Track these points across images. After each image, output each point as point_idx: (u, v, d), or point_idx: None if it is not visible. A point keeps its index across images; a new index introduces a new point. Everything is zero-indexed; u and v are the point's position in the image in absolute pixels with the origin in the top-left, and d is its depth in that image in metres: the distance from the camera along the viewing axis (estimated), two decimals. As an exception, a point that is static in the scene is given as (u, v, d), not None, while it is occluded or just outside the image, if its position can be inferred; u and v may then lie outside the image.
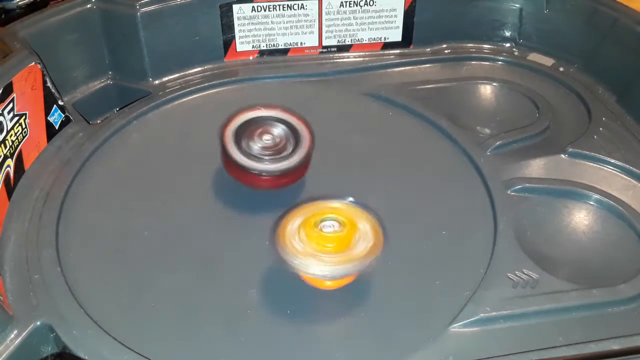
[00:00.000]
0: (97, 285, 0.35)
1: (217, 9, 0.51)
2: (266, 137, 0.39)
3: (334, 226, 0.33)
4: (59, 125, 0.45)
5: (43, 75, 0.43)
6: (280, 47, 0.53)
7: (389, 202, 0.40)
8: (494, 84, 0.51)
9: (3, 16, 0.56)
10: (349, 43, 0.54)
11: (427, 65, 0.53)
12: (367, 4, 0.52)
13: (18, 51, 0.42)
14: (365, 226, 0.33)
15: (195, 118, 0.47)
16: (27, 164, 0.42)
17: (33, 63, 0.42)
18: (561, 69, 0.53)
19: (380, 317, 0.33)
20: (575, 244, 0.38)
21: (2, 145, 0.39)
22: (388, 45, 0.55)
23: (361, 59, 0.54)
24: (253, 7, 0.51)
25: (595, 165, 0.42)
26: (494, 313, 0.32)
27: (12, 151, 0.40)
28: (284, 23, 0.52)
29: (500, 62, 0.54)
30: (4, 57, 0.41)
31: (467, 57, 0.54)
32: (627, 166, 0.42)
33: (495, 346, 0.31)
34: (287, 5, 0.51)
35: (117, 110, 0.49)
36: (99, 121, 0.48)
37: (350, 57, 0.54)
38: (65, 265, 0.35)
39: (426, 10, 0.53)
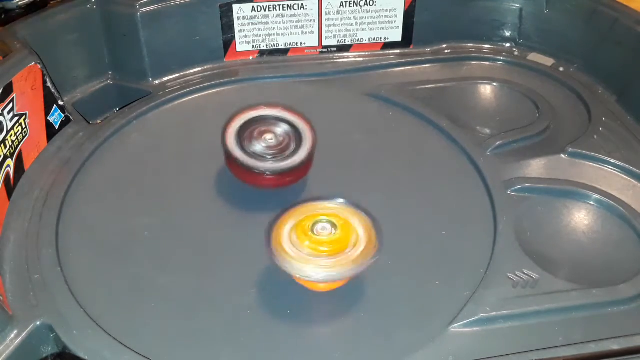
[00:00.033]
0: (97, 285, 0.35)
1: (217, 9, 0.51)
2: (269, 136, 0.39)
3: (327, 229, 0.33)
4: (59, 125, 0.45)
5: (43, 75, 0.43)
6: (280, 47, 0.53)
7: (389, 202, 0.40)
8: (494, 84, 0.51)
9: (3, 16, 0.56)
10: (349, 43, 0.54)
11: (427, 65, 0.53)
12: (367, 4, 0.52)
13: (18, 51, 0.42)
14: (358, 228, 0.33)
15: (195, 118, 0.47)
16: (27, 164, 0.42)
17: (33, 63, 0.42)
18: (561, 69, 0.53)
19: (380, 317, 0.33)
20: (575, 244, 0.38)
21: (2, 145, 0.39)
22: (388, 45, 0.55)
23: (361, 59, 0.54)
24: (253, 7, 0.51)
25: (595, 165, 0.42)
26: (494, 313, 0.32)
27: (12, 151, 0.40)
28: (284, 23, 0.52)
29: (500, 62, 0.54)
30: (4, 57, 0.41)
31: (467, 57, 0.54)
32: (627, 166, 0.42)
33: (495, 346, 0.31)
34: (287, 5, 0.51)
35: (117, 110, 0.49)
36: (99, 121, 0.48)
37: (350, 57, 0.54)
38: (65, 265, 0.35)
39: (426, 10, 0.53)
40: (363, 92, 0.49)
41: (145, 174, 0.42)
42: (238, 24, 0.52)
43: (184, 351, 0.32)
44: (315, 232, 0.33)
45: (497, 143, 0.44)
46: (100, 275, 0.35)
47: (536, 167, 0.42)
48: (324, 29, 0.53)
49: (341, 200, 0.35)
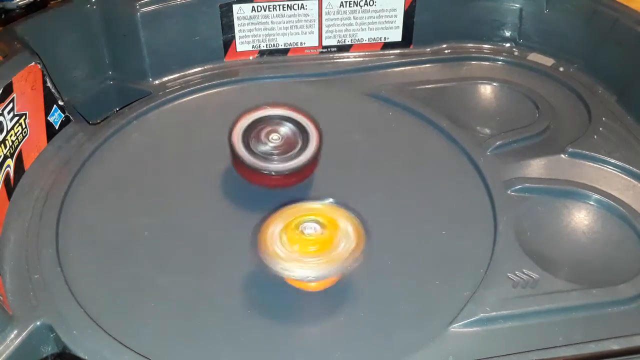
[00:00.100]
0: (97, 285, 0.35)
1: (217, 9, 0.51)
2: (274, 136, 0.39)
3: (315, 229, 0.33)
4: (59, 125, 0.45)
5: (43, 75, 0.43)
6: (280, 47, 0.53)
7: (389, 202, 0.40)
8: (494, 84, 0.51)
9: (3, 16, 0.56)
10: (349, 43, 0.54)
11: (427, 65, 0.53)
12: (367, 4, 0.52)
13: (18, 51, 0.42)
14: (346, 226, 0.33)
15: (195, 118, 0.47)
16: (27, 164, 0.42)
17: (33, 63, 0.42)
18: (561, 69, 0.53)
19: (380, 317, 0.33)
20: (575, 244, 0.38)
21: (2, 145, 0.39)
22: (388, 45, 0.55)
23: (361, 59, 0.54)
24: (253, 7, 0.51)
25: (595, 165, 0.42)
26: (494, 313, 0.32)
27: (12, 151, 0.40)
28: (284, 23, 0.52)
29: (500, 62, 0.54)
30: (4, 57, 0.41)
31: (467, 57, 0.54)
32: (627, 166, 0.42)
33: (495, 346, 0.31)
34: (287, 5, 0.51)
35: (117, 110, 0.49)
36: (99, 121, 0.48)
37: (350, 57, 0.54)
38: (65, 265, 0.35)
39: (426, 10, 0.53)
40: (363, 92, 0.49)
41: (145, 174, 0.42)
42: (238, 24, 0.52)
43: (184, 351, 0.32)
44: (303, 232, 0.33)
45: (497, 143, 0.44)
46: (100, 275, 0.35)
47: (536, 167, 0.42)
48: (324, 29, 0.53)
49: (329, 200, 0.35)
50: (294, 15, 0.52)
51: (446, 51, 0.55)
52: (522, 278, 0.34)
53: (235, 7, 0.51)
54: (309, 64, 0.53)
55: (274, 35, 0.53)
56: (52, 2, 0.54)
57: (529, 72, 0.52)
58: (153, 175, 0.42)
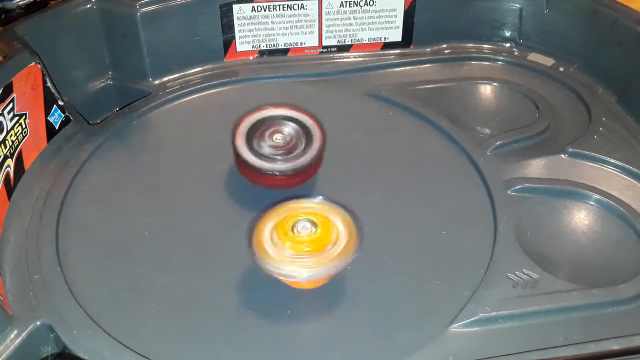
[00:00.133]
0: (97, 285, 0.35)
1: (217, 9, 0.51)
2: (277, 136, 0.39)
3: (307, 227, 0.33)
4: (59, 125, 0.45)
5: (43, 75, 0.43)
6: (280, 47, 0.53)
7: (389, 202, 0.40)
8: (494, 84, 0.51)
9: (3, 16, 0.56)
10: (349, 43, 0.54)
11: (427, 65, 0.53)
12: (367, 4, 0.52)
13: (18, 51, 0.42)
14: (339, 224, 0.33)
15: (195, 118, 0.47)
16: (27, 164, 0.42)
17: (33, 63, 0.42)
18: (561, 69, 0.53)
19: (380, 317, 0.33)
20: (575, 244, 0.38)
21: (2, 145, 0.39)
22: (388, 45, 0.55)
23: (361, 59, 0.54)
24: (253, 7, 0.51)
25: (595, 165, 0.42)
26: (494, 313, 0.32)
27: (12, 151, 0.40)
28: (284, 23, 0.52)
29: (500, 62, 0.54)
30: (4, 57, 0.41)
31: (467, 57, 0.54)
32: (627, 166, 0.42)
33: (495, 346, 0.31)
34: (287, 5, 0.51)
35: (117, 110, 0.49)
36: (99, 121, 0.48)
37: (350, 57, 0.54)
38: (65, 265, 0.35)
39: (426, 10, 0.53)
40: (363, 92, 0.49)
41: (145, 174, 0.42)
42: (238, 24, 0.52)
43: (184, 351, 0.32)
44: (295, 231, 0.33)
45: (497, 143, 0.44)
46: (100, 275, 0.35)
47: (536, 167, 0.42)
48: (324, 29, 0.53)
49: (320, 198, 0.35)
50: (294, 15, 0.52)
51: (446, 51, 0.55)
52: (522, 278, 0.34)
53: (235, 7, 0.51)
54: (309, 64, 0.53)
55: (274, 35, 0.53)
56: (52, 2, 0.54)
57: (529, 72, 0.52)
58: (153, 175, 0.42)
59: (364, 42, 0.54)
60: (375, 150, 0.44)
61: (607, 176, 0.42)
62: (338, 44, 0.54)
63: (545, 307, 0.33)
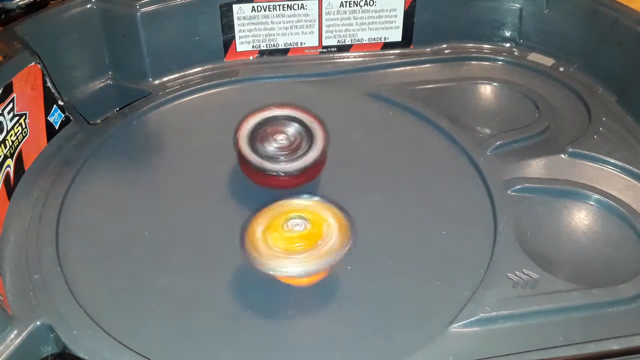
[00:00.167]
0: (97, 286, 0.35)
1: (217, 9, 0.51)
2: (280, 137, 0.39)
3: (299, 224, 0.33)
4: (59, 125, 0.45)
5: (43, 75, 0.43)
6: (280, 47, 0.53)
7: (389, 202, 0.40)
8: (494, 84, 0.51)
9: (3, 16, 0.56)
10: (349, 43, 0.54)
11: (427, 65, 0.53)
12: (367, 4, 0.52)
13: (18, 51, 0.42)
14: (330, 220, 0.33)
15: (195, 118, 0.47)
16: (27, 164, 0.42)
17: (33, 63, 0.42)
18: (561, 69, 0.53)
19: (380, 317, 0.33)
20: (575, 244, 0.38)
21: (2, 145, 0.39)
22: (388, 45, 0.55)
23: (361, 59, 0.54)
24: (253, 7, 0.51)
25: (595, 165, 0.42)
26: (494, 313, 0.32)
27: (12, 151, 0.40)
28: (284, 23, 0.52)
29: (500, 62, 0.54)
30: (4, 57, 0.41)
31: (467, 57, 0.54)
32: (627, 166, 0.42)
33: (495, 346, 0.31)
34: (287, 5, 0.51)
35: (117, 110, 0.49)
36: (99, 121, 0.48)
37: (350, 57, 0.54)
38: (65, 265, 0.35)
39: (426, 10, 0.53)
40: (363, 92, 0.49)
41: (145, 174, 0.42)
42: (238, 24, 0.52)
43: (184, 351, 0.32)
44: (287, 228, 0.33)
45: (497, 143, 0.44)
46: (100, 275, 0.35)
47: (536, 167, 0.42)
48: (324, 29, 0.53)
49: (310, 195, 0.35)
50: (294, 15, 0.52)
51: (446, 51, 0.55)
52: (522, 278, 0.34)
53: (235, 7, 0.51)
54: (309, 64, 0.53)
55: (274, 35, 0.53)
56: (52, 2, 0.54)
57: (529, 72, 0.52)
58: (153, 175, 0.42)
59: (364, 42, 0.54)
60: (375, 150, 0.44)
61: (607, 176, 0.42)
62: (338, 44, 0.54)
63: (545, 307, 0.33)
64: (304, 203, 0.34)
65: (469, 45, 0.55)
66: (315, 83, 0.51)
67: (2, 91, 0.38)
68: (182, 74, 0.52)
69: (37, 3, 0.56)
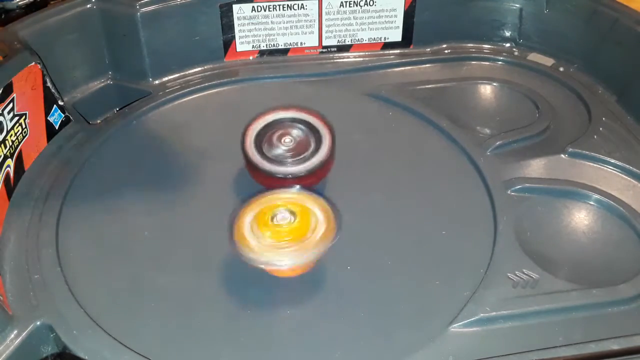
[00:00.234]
0: (97, 286, 0.35)
1: (217, 9, 0.51)
2: (287, 139, 0.39)
3: (286, 217, 0.33)
4: (59, 125, 0.45)
5: (43, 75, 0.43)
6: (280, 47, 0.53)
7: (389, 202, 0.40)
8: (494, 84, 0.51)
9: (3, 16, 0.56)
10: (349, 43, 0.54)
11: (427, 65, 0.53)
12: (367, 4, 0.52)
13: (18, 51, 0.42)
14: (317, 212, 0.34)
15: (195, 118, 0.47)
16: (27, 164, 0.42)
17: (33, 63, 0.42)
18: (561, 69, 0.53)
19: (380, 317, 0.33)
20: (575, 244, 0.38)
21: (2, 145, 0.39)
22: (388, 45, 0.55)
23: (361, 59, 0.54)
24: (253, 7, 0.51)
25: (595, 165, 0.42)
26: (494, 313, 0.32)
27: (12, 151, 0.40)
28: (284, 23, 0.52)
29: (500, 62, 0.54)
30: (4, 57, 0.41)
31: (467, 57, 0.54)
32: (627, 166, 0.42)
33: (495, 346, 0.31)
34: (287, 5, 0.51)
35: (117, 110, 0.49)
36: (99, 121, 0.48)
37: (350, 57, 0.54)
38: (65, 265, 0.35)
39: (426, 10, 0.53)
40: (363, 92, 0.49)
41: (145, 174, 0.42)
42: (238, 24, 0.52)
43: (184, 351, 0.32)
44: (275, 222, 0.33)
45: (497, 143, 0.44)
46: (100, 275, 0.35)
47: (536, 167, 0.42)
48: (324, 29, 0.53)
49: (297, 188, 0.36)
50: (294, 15, 0.52)
51: (446, 51, 0.55)
52: (522, 278, 0.34)
53: (235, 7, 0.51)
54: (309, 64, 0.53)
55: (274, 35, 0.53)
56: (52, 2, 0.54)
57: (529, 72, 0.52)
58: (153, 175, 0.42)
59: (364, 42, 0.54)
60: (375, 150, 0.44)
61: (607, 176, 0.42)
62: (338, 44, 0.54)
63: (545, 307, 0.33)
64: (291, 195, 0.35)
65: (469, 45, 0.55)
66: (315, 83, 0.51)
67: (2, 91, 0.38)
68: (182, 74, 0.52)
69: (37, 3, 0.56)
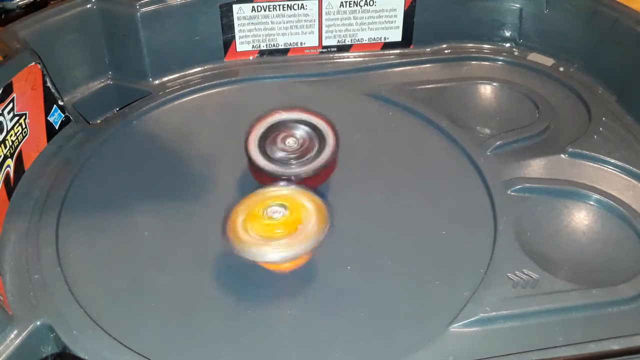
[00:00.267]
0: (97, 286, 0.35)
1: (217, 9, 0.51)
2: (290, 140, 0.39)
3: (278, 211, 0.34)
4: (59, 125, 0.45)
5: (43, 75, 0.43)
6: (280, 47, 0.53)
7: (389, 202, 0.40)
8: (494, 84, 0.51)
9: (3, 16, 0.56)
10: (349, 43, 0.54)
11: (427, 65, 0.53)
12: (367, 4, 0.52)
13: (18, 51, 0.42)
14: (308, 205, 0.34)
15: (195, 118, 0.47)
16: (27, 164, 0.42)
17: (33, 63, 0.42)
18: (561, 69, 0.53)
19: (380, 317, 0.33)
20: (575, 244, 0.38)
21: (2, 145, 0.39)
22: (388, 45, 0.55)
23: (361, 59, 0.54)
24: (253, 7, 0.51)
25: (595, 165, 0.42)
26: (494, 313, 0.32)
27: (12, 151, 0.40)
28: (284, 23, 0.52)
29: (500, 62, 0.54)
30: (4, 57, 0.41)
31: (467, 57, 0.54)
32: (627, 166, 0.42)
33: (495, 346, 0.31)
34: (287, 5, 0.51)
35: (117, 110, 0.49)
36: (99, 121, 0.48)
37: (350, 57, 0.54)
38: (65, 265, 0.35)
39: (426, 10, 0.53)
40: (363, 92, 0.49)
41: (145, 174, 0.42)
42: (238, 24, 0.52)
43: (184, 351, 0.32)
44: (267, 216, 0.34)
45: (497, 143, 0.44)
46: (100, 275, 0.35)
47: (536, 167, 0.42)
48: (324, 29, 0.53)
49: (287, 183, 0.36)
50: (294, 15, 0.52)
51: (446, 51, 0.55)
52: (522, 278, 0.34)
53: (235, 7, 0.51)
54: (309, 64, 0.53)
55: (274, 35, 0.53)
56: (52, 2, 0.54)
57: (529, 72, 0.52)
58: (153, 175, 0.42)
59: (364, 42, 0.54)
60: (375, 150, 0.44)
61: (607, 176, 0.42)
62: (338, 44, 0.54)
63: (545, 307, 0.33)
64: (282, 190, 0.35)
65: (469, 45, 0.55)
66: (315, 83, 0.51)
67: (2, 91, 0.38)
68: (182, 74, 0.52)
69: (37, 3, 0.56)
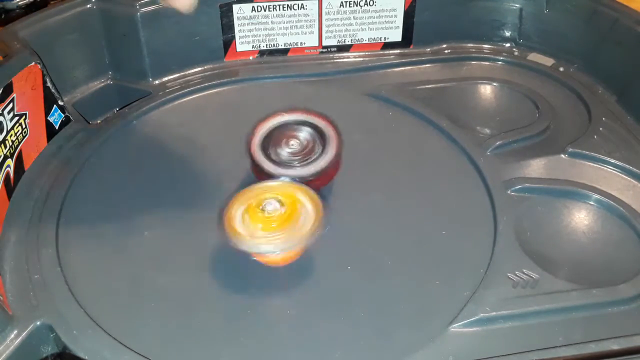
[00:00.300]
0: (97, 285, 0.35)
1: (217, 9, 0.51)
2: (293, 142, 0.39)
3: (275, 206, 0.34)
4: (59, 125, 0.45)
5: (43, 75, 0.43)
6: (280, 47, 0.53)
7: (389, 202, 0.40)
8: (494, 84, 0.51)
9: (3, 16, 0.56)
10: (349, 43, 0.54)
11: (427, 65, 0.53)
12: (367, 4, 0.52)
13: (18, 51, 0.42)
14: (305, 201, 0.34)
15: (195, 118, 0.47)
16: (27, 164, 0.42)
17: (33, 63, 0.42)
18: (561, 69, 0.53)
19: (380, 317, 0.33)
20: (575, 244, 0.38)
21: (2, 145, 0.39)
22: (388, 45, 0.55)
23: (361, 59, 0.54)
24: (253, 7, 0.51)
25: (595, 165, 0.42)
26: (494, 313, 0.32)
27: (12, 151, 0.40)
28: (284, 23, 0.52)
29: (500, 62, 0.54)
30: (4, 57, 0.41)
31: (467, 57, 0.54)
32: (627, 166, 0.42)
33: (495, 346, 0.31)
34: (287, 5, 0.51)
35: (117, 110, 0.49)
36: (99, 121, 0.48)
37: (350, 57, 0.54)
38: (65, 265, 0.35)
39: (426, 10, 0.53)
40: (363, 92, 0.49)
41: (145, 174, 0.42)
42: (238, 24, 0.52)
43: (184, 351, 0.32)
44: (264, 211, 0.34)
45: (497, 143, 0.44)
46: (100, 275, 0.35)
47: (536, 167, 0.42)
48: (324, 29, 0.53)
49: (285, 178, 0.36)
50: (294, 15, 0.52)
51: (446, 51, 0.55)
52: (522, 278, 0.34)
53: (235, 7, 0.51)
54: (309, 64, 0.53)
55: (274, 35, 0.53)
56: (52, 2, 0.54)
57: (529, 72, 0.52)
58: (153, 175, 0.42)
59: (364, 42, 0.54)
60: (375, 150, 0.44)
61: (607, 176, 0.42)
62: (338, 44, 0.54)
63: (545, 307, 0.33)
64: (279, 186, 0.36)
65: (469, 45, 0.55)
66: (315, 83, 0.51)
67: (2, 91, 0.38)
68: (182, 74, 0.52)
69: (37, 3, 0.56)
